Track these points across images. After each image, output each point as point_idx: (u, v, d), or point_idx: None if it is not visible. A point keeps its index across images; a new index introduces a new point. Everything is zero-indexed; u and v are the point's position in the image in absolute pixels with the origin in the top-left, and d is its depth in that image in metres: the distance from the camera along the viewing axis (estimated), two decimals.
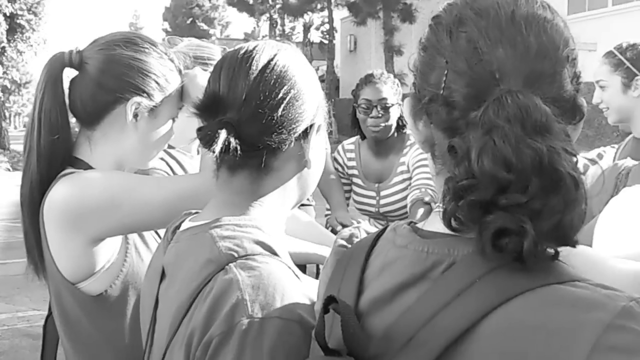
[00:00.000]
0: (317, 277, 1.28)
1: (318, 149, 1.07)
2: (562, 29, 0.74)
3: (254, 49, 1.01)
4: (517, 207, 0.63)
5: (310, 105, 1.03)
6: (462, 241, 0.71)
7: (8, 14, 20.17)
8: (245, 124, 0.96)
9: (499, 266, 0.66)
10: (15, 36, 20.72)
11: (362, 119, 2.96)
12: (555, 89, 0.70)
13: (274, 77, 0.99)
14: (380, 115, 2.89)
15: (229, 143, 0.94)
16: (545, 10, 0.74)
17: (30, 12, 21.05)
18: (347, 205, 3.15)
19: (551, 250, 0.65)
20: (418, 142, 0.82)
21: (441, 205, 0.70)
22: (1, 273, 7.10)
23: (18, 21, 20.61)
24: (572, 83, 0.73)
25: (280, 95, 0.98)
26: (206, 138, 0.94)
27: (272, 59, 1.00)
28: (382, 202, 3.03)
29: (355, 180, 3.14)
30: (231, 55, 1.02)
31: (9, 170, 19.95)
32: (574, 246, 0.65)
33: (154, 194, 1.34)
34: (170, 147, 1.83)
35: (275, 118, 0.97)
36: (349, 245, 0.90)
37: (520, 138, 0.63)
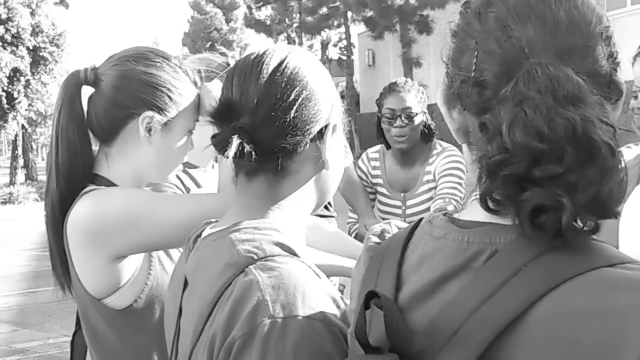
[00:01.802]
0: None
1: (336, 149, 1.06)
2: (594, 5, 0.72)
3: (264, 53, 1.01)
4: (552, 181, 0.61)
5: (324, 105, 1.02)
6: (503, 229, 0.68)
7: (31, 47, 20.56)
8: (259, 128, 0.95)
9: (545, 252, 0.64)
10: (39, 68, 21.08)
11: (387, 129, 2.92)
12: (589, 63, 0.68)
13: (285, 79, 0.98)
14: (404, 124, 2.85)
15: (243, 148, 0.93)
16: None
17: (53, 44, 21.39)
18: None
19: (592, 224, 0.62)
20: (453, 131, 0.80)
21: (477, 189, 0.68)
22: (32, 301, 7.17)
23: (41, 54, 20.98)
24: (608, 61, 0.71)
25: (292, 97, 0.97)
26: (220, 144, 0.94)
27: (282, 62, 0.99)
28: (409, 211, 2.99)
29: (380, 189, 3.10)
30: (243, 61, 1.02)
31: (37, 200, 20.23)
32: (615, 217, 0.63)
33: (174, 214, 1.34)
34: (184, 163, 1.82)
35: (289, 120, 0.97)
36: (381, 242, 0.88)
37: (552, 108, 0.62)
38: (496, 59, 0.69)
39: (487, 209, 0.67)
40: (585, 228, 0.62)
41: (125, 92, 1.38)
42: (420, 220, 0.83)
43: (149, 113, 1.38)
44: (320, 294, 0.88)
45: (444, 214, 0.79)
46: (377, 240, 0.89)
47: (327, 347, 0.83)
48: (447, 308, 0.68)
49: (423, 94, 2.95)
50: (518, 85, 0.65)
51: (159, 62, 1.42)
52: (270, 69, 0.98)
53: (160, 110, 1.39)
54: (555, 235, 0.62)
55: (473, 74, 0.71)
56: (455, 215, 0.78)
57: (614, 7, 18.25)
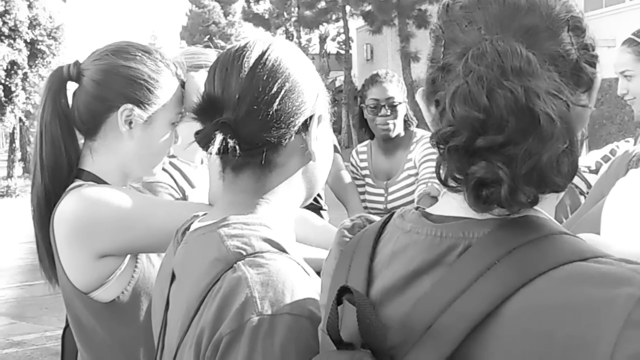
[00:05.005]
0: None
1: (323, 140, 1.05)
2: None
3: (245, 46, 1.01)
4: (494, 153, 0.62)
5: (308, 96, 1.01)
6: (476, 223, 0.68)
7: (29, 40, 20.50)
8: (242, 122, 0.95)
9: (519, 246, 0.64)
10: (37, 61, 21.02)
11: (371, 119, 3.03)
12: (551, 45, 0.69)
13: (267, 72, 0.97)
14: (388, 113, 2.97)
15: (227, 144, 0.93)
16: None
17: (50, 37, 21.33)
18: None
19: (532, 196, 0.63)
20: (429, 123, 0.80)
21: (442, 169, 0.68)
22: (29, 294, 7.18)
23: (39, 47, 20.91)
24: (580, 52, 0.71)
25: (275, 89, 0.97)
26: (204, 140, 0.94)
27: (263, 54, 0.99)
28: (390, 198, 3.07)
29: (367, 180, 3.20)
30: (224, 55, 1.01)
31: None
32: (557, 190, 0.63)
33: (164, 220, 1.34)
34: (172, 156, 1.82)
35: (272, 113, 0.96)
36: (352, 236, 0.87)
37: (496, 80, 0.63)
38: (459, 44, 0.71)
39: (446, 185, 0.68)
40: (528, 201, 0.63)
41: (105, 85, 1.39)
42: (392, 214, 0.83)
43: (128, 106, 1.39)
44: (308, 292, 0.88)
45: (416, 208, 0.79)
46: (348, 234, 0.88)
47: (314, 344, 0.82)
48: (420, 303, 0.67)
49: (403, 84, 3.08)
50: (468, 61, 0.66)
51: (138, 55, 1.43)
52: (252, 62, 0.98)
53: (139, 103, 1.40)
54: (500, 209, 0.63)
55: (441, 62, 0.73)
56: (428, 210, 0.78)
57: (613, 3, 18.27)
